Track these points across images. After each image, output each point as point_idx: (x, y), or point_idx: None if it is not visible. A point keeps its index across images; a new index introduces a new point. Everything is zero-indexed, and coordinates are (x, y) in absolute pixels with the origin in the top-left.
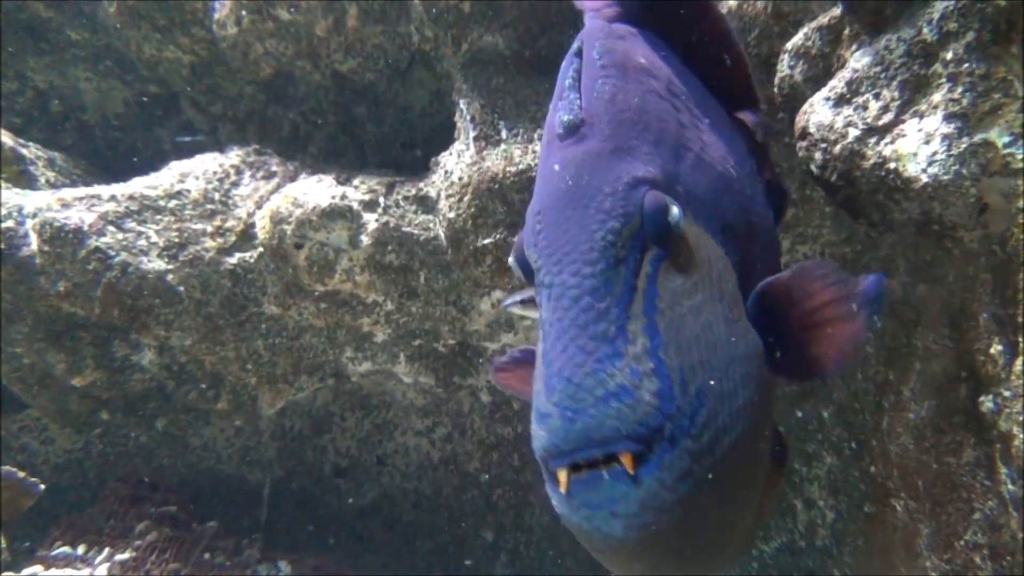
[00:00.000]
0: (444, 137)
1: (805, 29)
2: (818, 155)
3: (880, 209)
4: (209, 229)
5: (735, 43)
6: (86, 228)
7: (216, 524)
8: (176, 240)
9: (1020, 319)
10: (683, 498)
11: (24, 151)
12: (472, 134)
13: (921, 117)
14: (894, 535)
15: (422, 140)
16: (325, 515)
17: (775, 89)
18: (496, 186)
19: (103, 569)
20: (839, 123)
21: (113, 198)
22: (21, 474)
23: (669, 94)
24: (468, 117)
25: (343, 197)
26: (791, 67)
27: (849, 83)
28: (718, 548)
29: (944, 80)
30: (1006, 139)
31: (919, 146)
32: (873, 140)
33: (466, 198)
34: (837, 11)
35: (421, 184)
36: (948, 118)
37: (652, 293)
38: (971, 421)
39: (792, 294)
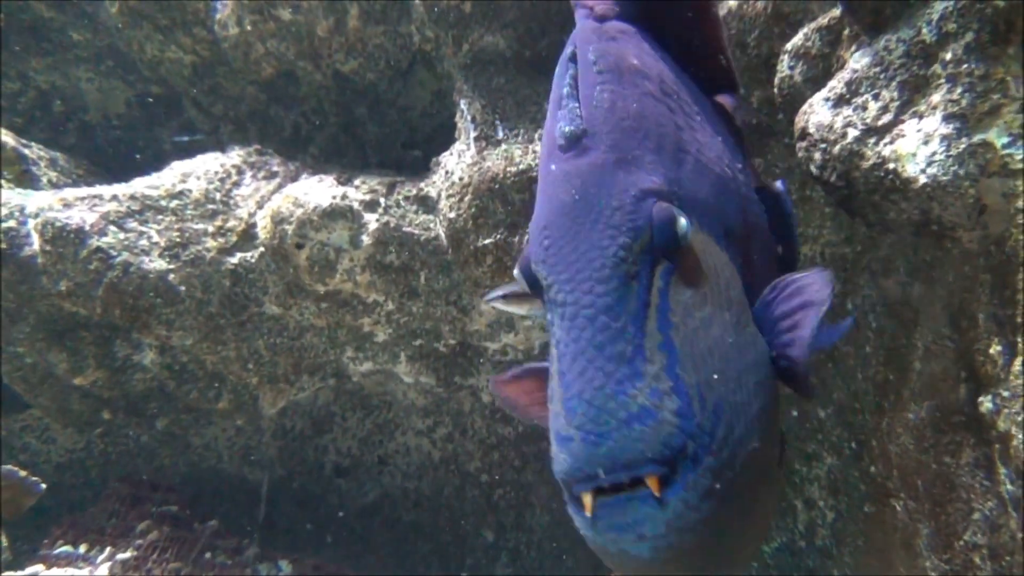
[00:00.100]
0: (445, 137)
1: (805, 30)
2: (817, 155)
3: (879, 209)
4: (210, 229)
5: (718, 26)
6: (88, 228)
7: (217, 523)
8: (177, 240)
9: (1019, 319)
10: (707, 516)
11: (26, 151)
12: (473, 134)
13: (920, 118)
14: (894, 535)
15: (423, 140)
16: (326, 515)
17: (775, 90)
18: (497, 186)
19: (104, 568)
20: (838, 123)
21: (115, 198)
22: (23, 473)
23: (663, 94)
24: (469, 117)
25: (344, 197)
26: (791, 68)
27: (848, 84)
28: (739, 556)
29: (943, 81)
30: (1005, 140)
31: (918, 146)
32: (872, 140)
33: (467, 198)
34: (837, 12)
35: (422, 184)
36: (947, 119)
37: (665, 308)
38: (970, 421)
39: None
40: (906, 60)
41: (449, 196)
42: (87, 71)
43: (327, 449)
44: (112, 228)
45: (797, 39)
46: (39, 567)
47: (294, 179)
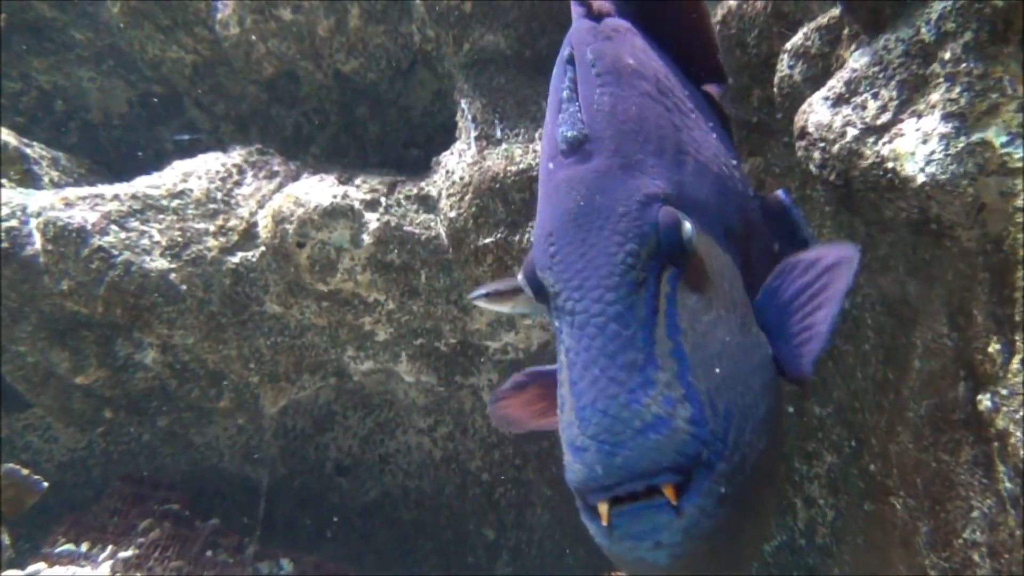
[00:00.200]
0: (446, 137)
1: (804, 29)
2: (817, 154)
3: (878, 208)
4: (211, 228)
5: (705, 15)
6: (89, 227)
7: (218, 522)
8: (179, 239)
9: (1017, 318)
10: (721, 521)
11: (28, 151)
12: (473, 134)
13: (919, 117)
14: (893, 533)
15: (424, 140)
16: (327, 513)
17: (775, 89)
18: (497, 185)
19: (106, 566)
20: (837, 123)
21: (116, 197)
22: (25, 471)
23: (659, 93)
24: (469, 117)
25: (345, 196)
26: (790, 67)
27: (848, 83)
28: (747, 555)
29: (942, 80)
30: (1003, 138)
31: (917, 145)
32: (871, 140)
33: (467, 197)
34: (836, 11)
35: (422, 183)
36: (946, 118)
37: (673, 313)
38: (969, 420)
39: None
40: (905, 59)
41: (450, 195)
42: (89, 71)
43: (328, 448)
44: (114, 227)
45: (797, 38)
46: (41, 565)
47: (295, 178)
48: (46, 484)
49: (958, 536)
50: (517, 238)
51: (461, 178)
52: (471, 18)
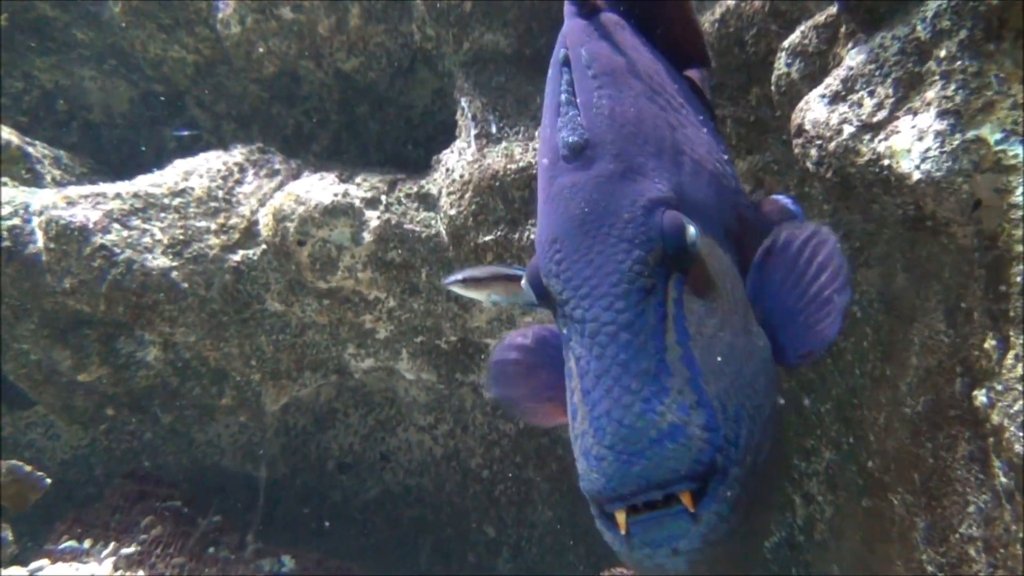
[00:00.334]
0: (446, 135)
1: (802, 27)
2: (814, 152)
3: (875, 205)
4: (213, 227)
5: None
6: (91, 226)
7: (220, 519)
8: (180, 237)
9: (1012, 313)
10: (736, 524)
11: (30, 149)
12: (473, 132)
13: (915, 114)
14: (891, 529)
15: (424, 138)
16: (328, 511)
17: (772, 87)
18: (497, 183)
19: (109, 563)
20: (834, 120)
21: (118, 196)
22: (28, 468)
23: (653, 92)
24: (469, 115)
25: (345, 195)
26: (788, 65)
27: (844, 80)
28: (758, 549)
29: (937, 77)
30: (998, 136)
31: (912, 143)
32: (867, 137)
33: (467, 195)
34: (833, 10)
35: (423, 182)
36: (941, 115)
37: (681, 319)
38: (966, 415)
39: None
40: (901, 57)
41: (450, 193)
42: (91, 70)
43: (329, 445)
44: (115, 226)
45: (794, 37)
46: (44, 561)
47: (296, 177)
48: (49, 481)
49: (954, 531)
50: (517, 236)
51: (461, 176)
52: (471, 17)
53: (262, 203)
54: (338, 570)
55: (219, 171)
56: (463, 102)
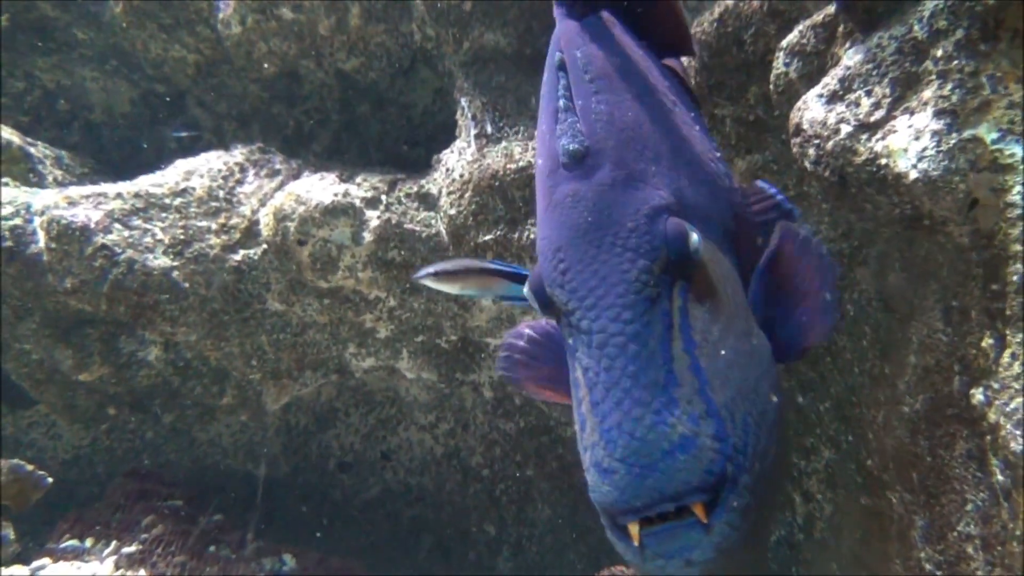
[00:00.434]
0: (446, 135)
1: (800, 27)
2: (811, 151)
3: (872, 204)
4: (214, 226)
5: None
6: (93, 226)
7: (221, 518)
8: (181, 237)
9: (1008, 312)
10: (745, 531)
11: (32, 150)
12: (473, 132)
13: (911, 113)
14: (890, 527)
15: (424, 138)
16: (329, 510)
17: (771, 86)
18: (497, 183)
19: (110, 562)
20: (832, 119)
21: (119, 196)
22: (30, 467)
23: (647, 93)
24: (469, 115)
25: (346, 194)
26: (786, 64)
27: (842, 80)
28: (764, 549)
29: (934, 77)
30: (995, 135)
31: (909, 142)
32: (865, 136)
33: (467, 195)
34: (831, 9)
35: (423, 181)
36: (938, 114)
37: (686, 327)
38: (964, 414)
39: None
40: (898, 57)
41: (450, 193)
42: (92, 70)
43: (330, 445)
44: (117, 226)
45: (792, 36)
46: (46, 560)
47: (296, 177)
48: (50, 480)
49: (952, 529)
50: (516, 235)
51: (461, 176)
52: (471, 17)
53: (263, 203)
54: (339, 568)
55: (220, 171)
56: (463, 102)
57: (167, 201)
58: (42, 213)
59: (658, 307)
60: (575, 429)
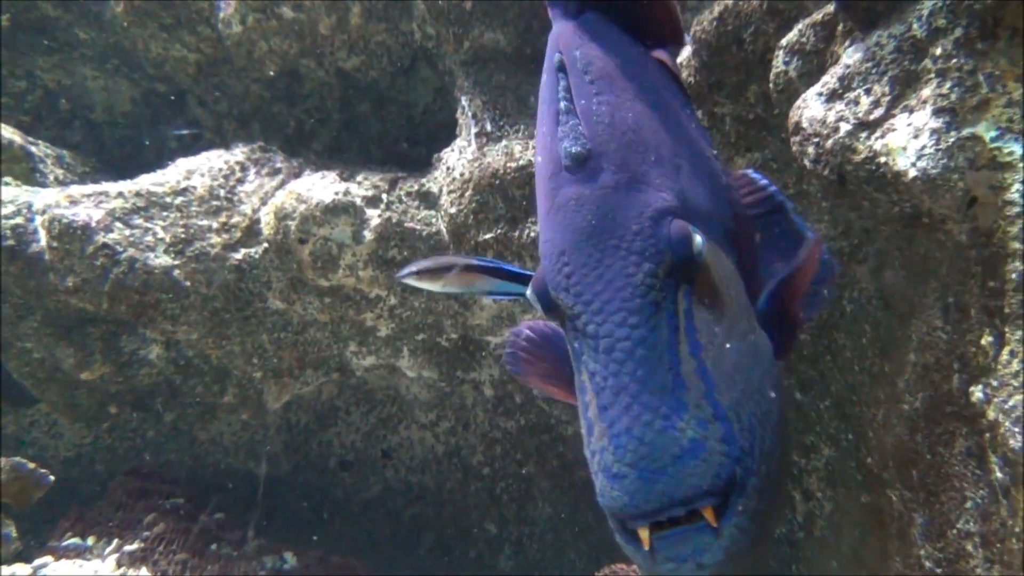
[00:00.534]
0: (446, 134)
1: (799, 26)
2: (811, 149)
3: (871, 202)
4: (215, 225)
5: None
6: (94, 224)
7: (223, 516)
8: (182, 236)
9: (1007, 310)
10: (753, 533)
11: (33, 149)
12: (474, 130)
13: (910, 112)
14: (890, 525)
15: (425, 137)
16: (330, 508)
17: (771, 85)
18: (497, 181)
19: (112, 560)
20: (831, 118)
21: (120, 195)
22: (32, 465)
23: (645, 92)
24: (470, 114)
25: (346, 193)
26: (786, 63)
27: (841, 79)
28: (768, 548)
29: (933, 75)
30: (993, 133)
31: (908, 140)
32: (864, 135)
33: (467, 193)
34: (831, 8)
35: (423, 180)
36: (937, 113)
37: (691, 329)
38: (963, 411)
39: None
40: (897, 55)
41: (450, 192)
42: (93, 69)
43: (331, 443)
44: (118, 224)
45: (792, 35)
46: (47, 558)
47: (297, 175)
48: (52, 478)
49: (952, 527)
50: (516, 233)
51: (461, 174)
52: (471, 16)
53: (264, 202)
54: (340, 567)
55: (221, 170)
56: (463, 100)
57: (168, 200)
58: (43, 212)
59: (664, 311)
60: (581, 432)
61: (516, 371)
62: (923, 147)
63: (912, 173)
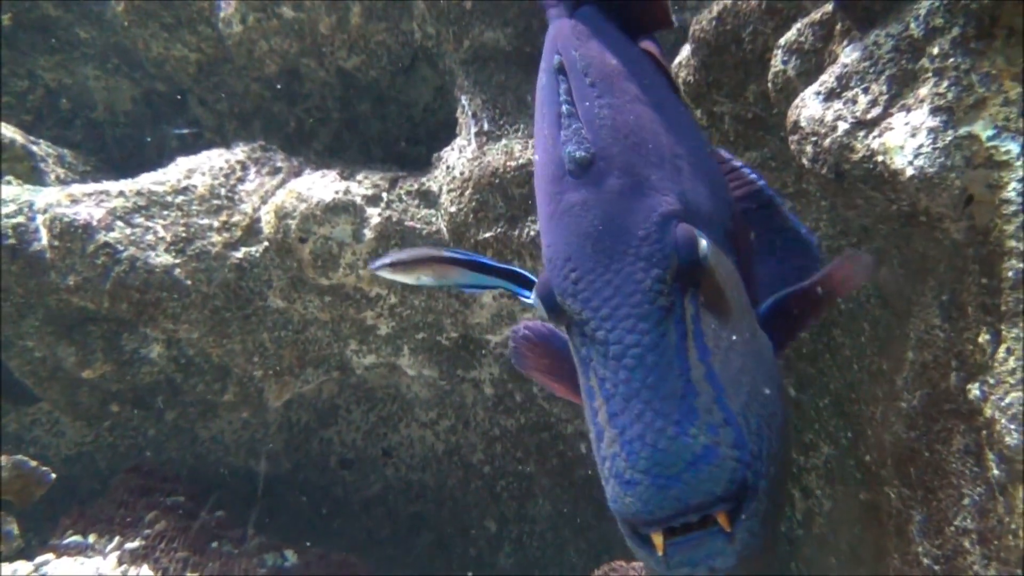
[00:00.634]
0: (446, 133)
1: (798, 25)
2: (809, 148)
3: (869, 201)
4: (215, 224)
5: None
6: (95, 223)
7: (224, 514)
8: (183, 235)
9: (1003, 308)
10: (763, 535)
11: (34, 148)
12: (473, 129)
13: (908, 111)
14: (888, 522)
15: (425, 136)
16: (331, 506)
17: (769, 84)
18: (497, 180)
19: (113, 557)
20: (829, 117)
21: (121, 194)
22: (33, 463)
23: (643, 91)
24: (470, 113)
25: (347, 192)
26: (784, 62)
27: (839, 78)
28: (772, 547)
29: (930, 75)
30: (990, 132)
31: (906, 139)
32: (862, 134)
33: (467, 192)
34: (829, 7)
35: (423, 179)
36: (934, 112)
37: (699, 334)
38: (961, 409)
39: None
40: (895, 55)
41: (450, 190)
42: (94, 69)
43: (332, 441)
44: (119, 223)
45: (790, 34)
46: (49, 556)
47: (297, 175)
48: (54, 475)
49: (950, 524)
50: (516, 232)
51: (461, 173)
52: (471, 15)
53: (264, 201)
54: (340, 564)
55: (221, 169)
56: (463, 100)
57: (169, 199)
58: (45, 211)
59: (672, 316)
60: (589, 437)
61: (520, 365)
62: (920, 146)
63: (909, 172)
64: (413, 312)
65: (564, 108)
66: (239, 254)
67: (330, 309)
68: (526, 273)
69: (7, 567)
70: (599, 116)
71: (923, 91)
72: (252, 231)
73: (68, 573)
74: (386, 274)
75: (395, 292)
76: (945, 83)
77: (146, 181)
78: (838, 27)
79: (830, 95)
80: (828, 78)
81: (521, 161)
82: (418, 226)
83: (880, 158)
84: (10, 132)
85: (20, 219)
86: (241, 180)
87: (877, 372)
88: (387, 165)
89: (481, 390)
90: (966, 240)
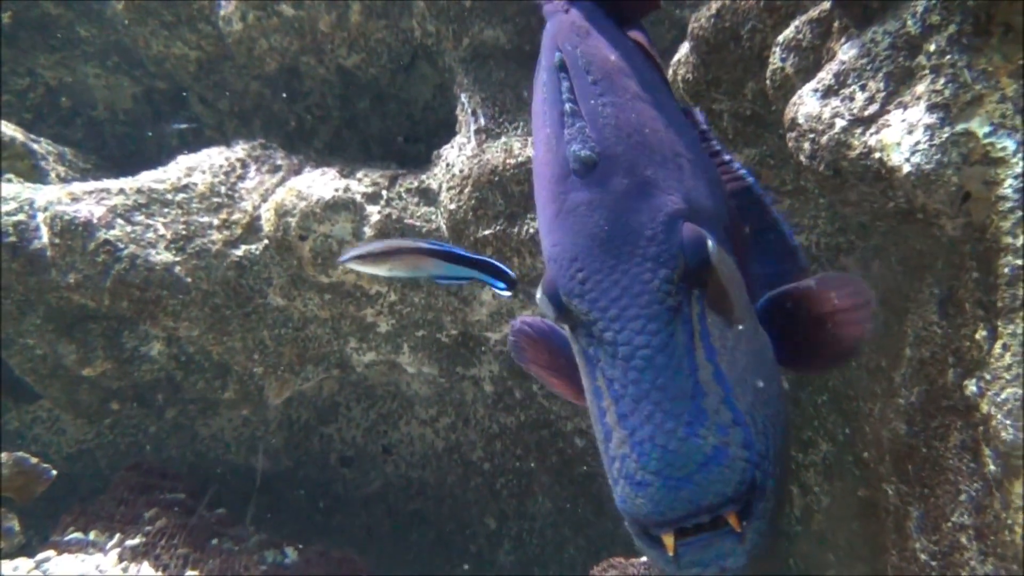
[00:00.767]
0: (446, 131)
1: (796, 22)
2: (807, 145)
3: (867, 198)
4: (215, 222)
5: None
6: (95, 221)
7: (224, 511)
8: (183, 233)
9: (999, 304)
10: (771, 534)
11: (35, 146)
12: (473, 127)
13: (905, 108)
14: (886, 518)
15: (425, 133)
16: (331, 503)
17: (767, 81)
18: (496, 178)
19: (114, 554)
20: (826, 114)
21: (122, 192)
22: (34, 460)
23: (642, 88)
24: (469, 110)
25: (346, 190)
26: (782, 59)
27: (837, 75)
28: (777, 545)
29: (927, 72)
30: (987, 129)
31: (902, 136)
32: (859, 130)
33: (467, 190)
34: (827, 5)
35: (423, 176)
36: (931, 109)
37: (706, 334)
38: (958, 405)
39: (812, 299)
40: (892, 52)
41: (450, 188)
42: (94, 67)
43: (332, 439)
44: (119, 221)
45: (788, 31)
46: (50, 553)
47: (297, 172)
48: (55, 472)
49: (947, 520)
50: (516, 230)
51: (461, 171)
52: (471, 13)
53: (264, 198)
54: (340, 561)
55: (221, 167)
56: (463, 97)
57: (169, 197)
58: (45, 209)
59: (680, 317)
60: (596, 437)
61: (519, 359)
62: (917, 143)
63: (906, 168)
64: (413, 310)
65: (567, 107)
66: (239, 252)
67: (330, 307)
68: (501, 265)
69: (8, 564)
70: (602, 115)
71: (920, 88)
72: (252, 229)
73: (69, 570)
74: (355, 266)
75: (395, 290)
76: (942, 80)
77: (146, 179)
78: (836, 24)
79: (828, 92)
80: (826, 75)
81: (520, 159)
82: (418, 223)
83: (877, 155)
84: (11, 130)
85: (21, 217)
86: (241, 178)
87: (875, 369)
88: (387, 163)
89: (481, 387)
90: (963, 237)
